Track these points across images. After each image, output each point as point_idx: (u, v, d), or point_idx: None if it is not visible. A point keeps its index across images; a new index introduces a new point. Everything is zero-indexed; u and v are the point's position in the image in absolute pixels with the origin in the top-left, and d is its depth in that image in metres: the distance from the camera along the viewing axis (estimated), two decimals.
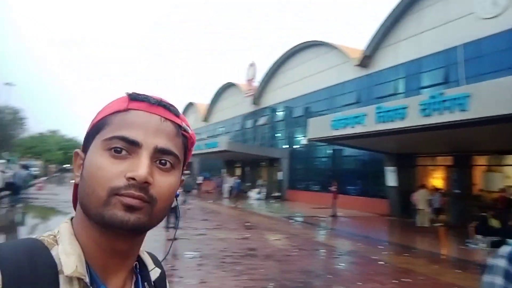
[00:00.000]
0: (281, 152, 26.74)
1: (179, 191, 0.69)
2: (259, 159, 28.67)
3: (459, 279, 6.77)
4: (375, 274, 6.85)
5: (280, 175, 26.28)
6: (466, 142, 12.83)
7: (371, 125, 11.68)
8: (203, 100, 46.28)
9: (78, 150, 0.66)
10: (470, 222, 11.36)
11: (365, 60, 19.94)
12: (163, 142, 0.61)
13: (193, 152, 0.72)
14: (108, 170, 0.57)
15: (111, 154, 0.59)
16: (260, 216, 15.13)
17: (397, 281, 6.31)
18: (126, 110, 0.62)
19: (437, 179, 18.25)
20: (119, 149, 0.59)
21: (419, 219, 13.38)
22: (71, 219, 0.65)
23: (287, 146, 27.36)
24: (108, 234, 0.59)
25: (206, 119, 42.62)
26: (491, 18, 13.95)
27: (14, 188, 13.80)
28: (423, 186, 14.10)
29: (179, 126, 0.65)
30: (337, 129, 13.20)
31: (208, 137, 37.31)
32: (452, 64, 15.27)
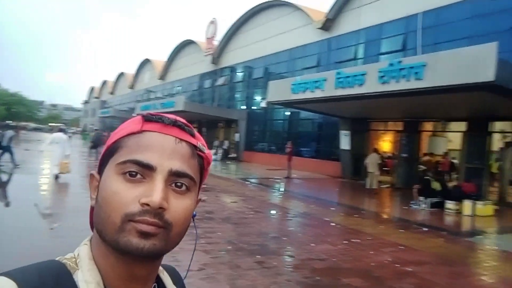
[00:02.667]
0: (239, 113, 26.63)
1: None
2: (216, 120, 28.43)
3: (402, 238, 7.23)
4: (327, 235, 7.14)
5: (237, 137, 26.31)
6: (418, 109, 13.37)
7: (330, 90, 11.79)
8: (160, 57, 44.59)
9: (94, 172, 0.65)
10: (414, 184, 12.10)
11: (328, 24, 19.85)
12: (178, 165, 0.59)
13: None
14: (123, 196, 0.56)
15: (125, 178, 0.57)
16: (216, 178, 15.17)
17: (347, 242, 6.62)
18: (140, 132, 0.60)
19: (388, 143, 19.12)
20: (133, 173, 0.57)
21: (368, 181, 14.02)
22: (90, 239, 0.64)
23: (245, 107, 27.25)
24: (124, 260, 0.58)
25: (162, 77, 41.24)
26: None
27: None
28: (375, 150, 14.67)
29: (194, 147, 0.63)
30: (297, 93, 13.23)
31: (164, 96, 36.21)
32: (412, 31, 15.57)
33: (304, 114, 20.75)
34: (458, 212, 10.15)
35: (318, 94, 12.39)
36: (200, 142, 0.64)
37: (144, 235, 0.55)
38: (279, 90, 14.64)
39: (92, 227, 0.65)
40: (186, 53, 36.79)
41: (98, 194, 0.61)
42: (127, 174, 0.57)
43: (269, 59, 24.69)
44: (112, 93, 61.05)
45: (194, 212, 0.65)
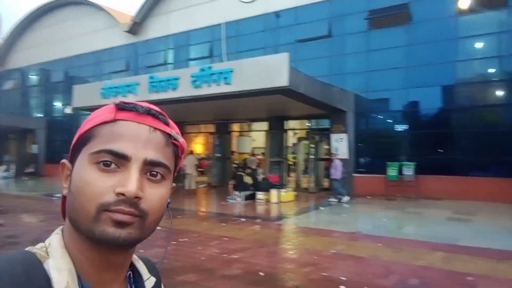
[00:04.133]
0: (36, 122, 23.32)
1: None
2: (6, 131, 24.11)
3: (225, 230, 7.79)
4: (155, 239, 7.04)
5: (34, 148, 22.97)
6: (227, 111, 14.54)
7: (144, 95, 11.60)
8: None
9: (65, 161, 0.63)
10: (229, 181, 13.14)
11: (135, 27, 19.43)
12: (152, 154, 0.59)
13: None
14: (97, 185, 0.55)
15: (99, 168, 0.56)
16: (15, 198, 12.93)
17: (175, 242, 6.70)
18: (114, 121, 0.59)
19: (201, 145, 20.08)
20: (108, 163, 0.56)
21: (187, 183, 14.45)
22: (62, 229, 0.62)
23: (44, 115, 24.06)
24: (99, 249, 0.58)
25: None
26: (248, 2, 16.02)
27: None
28: (191, 152, 15.21)
29: (168, 135, 0.62)
30: (108, 97, 12.50)
31: None
32: (217, 39, 16.78)
33: None
34: (268, 201, 11.55)
35: (131, 98, 11.96)
36: (175, 130, 0.64)
37: (119, 224, 0.55)
38: (87, 95, 13.54)
39: (64, 216, 0.63)
40: None
41: (70, 184, 0.59)
42: (101, 164, 0.56)
43: (71, 62, 22.49)
44: None
45: (169, 200, 0.65)
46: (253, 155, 16.59)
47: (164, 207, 0.62)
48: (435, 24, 12.85)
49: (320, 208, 10.97)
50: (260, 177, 13.35)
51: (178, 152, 0.65)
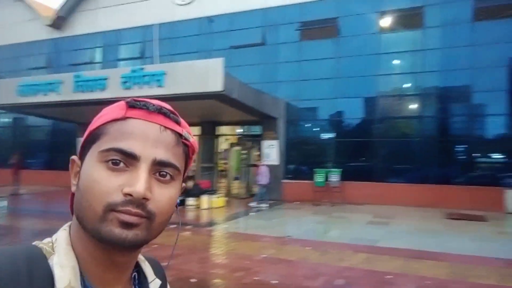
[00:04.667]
0: None
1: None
2: None
3: None
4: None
5: None
6: None
7: (68, 94, 10.92)
8: None
9: (75, 157, 0.62)
10: None
11: (59, 21, 18.19)
12: (162, 154, 0.57)
13: None
14: (105, 184, 0.54)
15: (108, 166, 0.55)
16: None
17: None
18: (124, 118, 0.58)
19: None
20: (117, 161, 0.55)
21: None
22: (70, 225, 0.62)
23: None
24: (104, 248, 0.57)
25: None
26: (183, 5, 15.81)
27: None
28: None
29: (179, 135, 0.61)
30: (26, 95, 11.54)
31: None
32: (149, 40, 16.30)
33: (32, 120, 18.27)
34: (198, 207, 11.42)
35: (53, 97, 11.22)
36: (186, 130, 0.62)
37: (126, 225, 0.54)
38: (2, 92, 12.34)
39: (72, 212, 0.62)
40: None
41: (79, 181, 0.58)
42: (110, 162, 0.55)
43: None
44: None
45: (178, 201, 0.63)
46: None
47: (173, 208, 0.61)
48: (361, 40, 13.76)
49: (250, 213, 11.11)
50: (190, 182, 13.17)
51: (188, 152, 0.64)
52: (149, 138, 0.57)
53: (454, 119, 13.57)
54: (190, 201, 11.62)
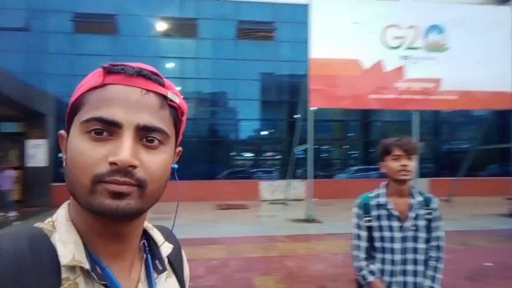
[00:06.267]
0: None
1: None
2: None
3: None
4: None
5: None
6: None
7: None
8: None
9: (63, 132, 0.60)
10: None
11: None
12: (146, 118, 0.54)
13: None
14: (89, 156, 0.52)
15: (91, 137, 0.53)
16: None
17: None
18: (102, 85, 0.55)
19: None
20: (99, 131, 0.53)
21: None
22: (69, 203, 0.61)
23: None
24: (102, 220, 0.55)
25: None
26: None
27: None
28: None
29: (164, 97, 0.58)
30: None
31: None
32: None
33: None
34: None
35: None
36: (171, 91, 0.59)
37: (116, 195, 0.52)
38: None
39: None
40: None
41: (66, 155, 0.56)
42: (93, 133, 0.53)
43: None
44: None
45: (176, 165, 0.63)
46: None
47: (166, 174, 0.59)
48: (139, 41, 13.92)
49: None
50: None
51: (177, 114, 0.61)
52: (130, 104, 0.54)
53: (219, 122, 15.63)
54: None
